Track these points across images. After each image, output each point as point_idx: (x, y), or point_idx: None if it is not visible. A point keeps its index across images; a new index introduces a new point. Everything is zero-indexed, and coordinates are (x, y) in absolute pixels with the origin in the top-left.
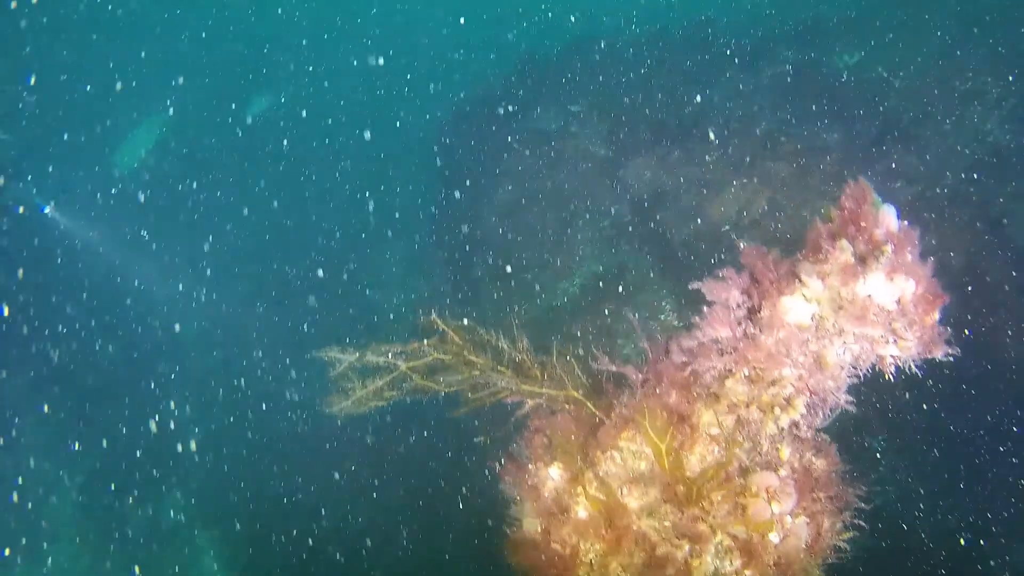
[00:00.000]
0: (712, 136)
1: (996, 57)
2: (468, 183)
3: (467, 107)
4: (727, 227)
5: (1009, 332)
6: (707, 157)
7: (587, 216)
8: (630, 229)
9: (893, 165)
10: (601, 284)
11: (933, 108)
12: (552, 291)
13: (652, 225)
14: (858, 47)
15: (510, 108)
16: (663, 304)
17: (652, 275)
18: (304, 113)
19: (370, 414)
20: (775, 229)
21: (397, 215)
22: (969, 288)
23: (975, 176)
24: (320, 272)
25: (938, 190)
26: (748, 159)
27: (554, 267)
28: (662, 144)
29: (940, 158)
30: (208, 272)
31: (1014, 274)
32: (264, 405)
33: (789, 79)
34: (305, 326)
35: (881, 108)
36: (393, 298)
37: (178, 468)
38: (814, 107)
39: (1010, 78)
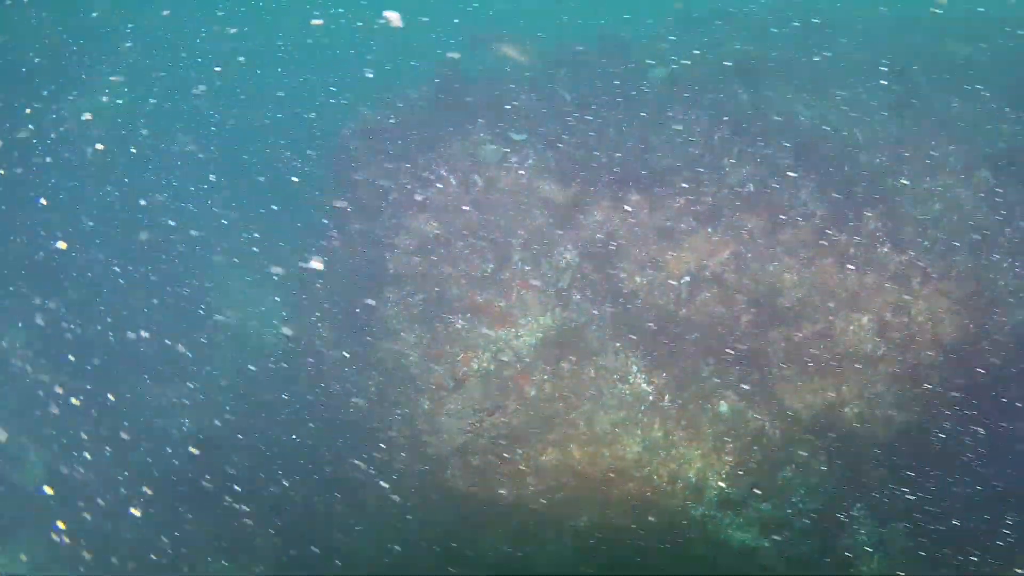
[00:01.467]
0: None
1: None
2: (377, 207)
3: (384, 121)
4: (687, 278)
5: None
6: (672, 203)
7: (529, 259)
8: (580, 277)
9: (878, 225)
10: (555, 338)
11: (910, 166)
12: (492, 341)
13: (605, 274)
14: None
15: (435, 130)
16: (630, 366)
17: (611, 331)
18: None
19: None
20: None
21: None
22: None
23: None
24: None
25: (929, 259)
26: (716, 208)
27: (490, 313)
28: (620, 185)
29: (927, 221)
30: None
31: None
32: None
33: (755, 123)
34: None
35: (856, 162)
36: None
37: None
38: (784, 157)
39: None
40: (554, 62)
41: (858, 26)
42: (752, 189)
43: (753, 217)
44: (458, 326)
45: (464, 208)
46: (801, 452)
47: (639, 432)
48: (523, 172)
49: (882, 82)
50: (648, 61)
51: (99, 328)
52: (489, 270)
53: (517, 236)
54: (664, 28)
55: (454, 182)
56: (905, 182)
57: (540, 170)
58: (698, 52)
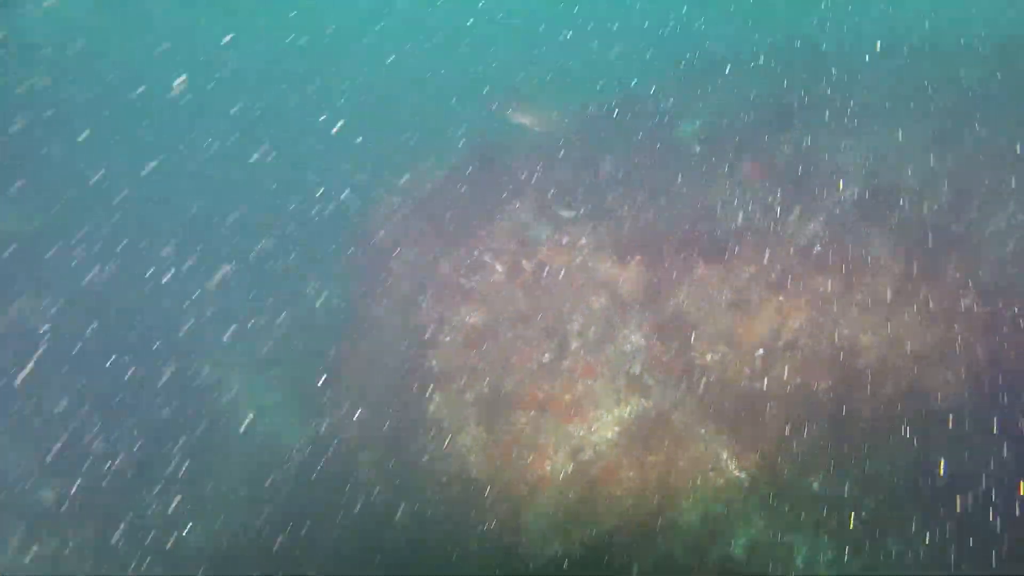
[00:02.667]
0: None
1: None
2: (418, 300)
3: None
4: (761, 351)
5: None
6: (738, 271)
7: (592, 345)
8: (650, 359)
9: (959, 277)
10: (634, 430)
11: (978, 210)
12: (563, 439)
13: (677, 354)
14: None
15: (475, 210)
16: (719, 453)
17: (693, 415)
18: None
19: None
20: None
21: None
22: None
23: None
24: None
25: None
26: (783, 271)
27: (556, 407)
28: (681, 257)
29: (1005, 261)
30: None
31: None
32: None
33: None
34: None
35: (924, 212)
36: None
37: None
38: (846, 210)
39: None
40: (583, 127)
41: (881, 63)
42: (819, 248)
43: (823, 277)
44: (521, 423)
45: (514, 294)
46: (901, 518)
47: (740, 524)
48: (576, 251)
49: (924, 118)
50: (673, 116)
51: None
52: (546, 359)
53: (575, 320)
54: (678, 80)
55: (500, 268)
56: (974, 222)
57: (594, 247)
58: (720, 102)
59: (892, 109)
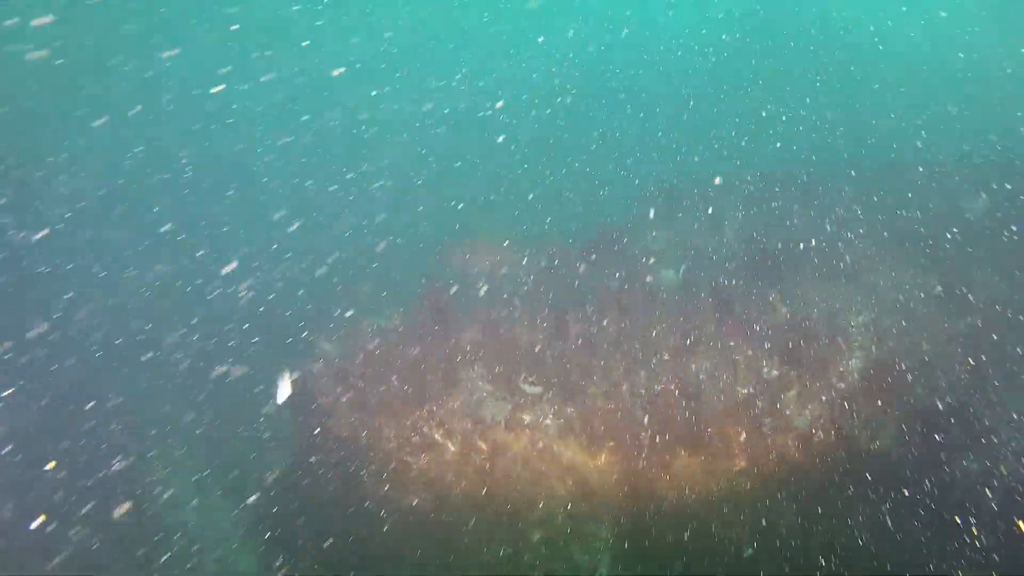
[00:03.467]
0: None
1: None
2: (360, 474)
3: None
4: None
5: None
6: (730, 464)
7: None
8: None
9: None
10: None
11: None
12: None
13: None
14: None
15: (424, 379)
16: None
17: None
18: None
19: None
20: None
21: None
22: None
23: None
24: None
25: None
26: (782, 466)
27: None
28: (660, 447)
29: None
30: None
31: None
32: None
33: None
34: None
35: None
36: None
37: None
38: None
39: None
40: (551, 275)
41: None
42: (820, 435)
43: (823, 472)
44: None
45: (468, 478)
46: None
47: None
48: (539, 433)
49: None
50: (650, 262)
51: None
52: (502, 554)
53: (535, 511)
54: (657, 216)
55: (452, 447)
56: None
57: (560, 430)
58: (705, 242)
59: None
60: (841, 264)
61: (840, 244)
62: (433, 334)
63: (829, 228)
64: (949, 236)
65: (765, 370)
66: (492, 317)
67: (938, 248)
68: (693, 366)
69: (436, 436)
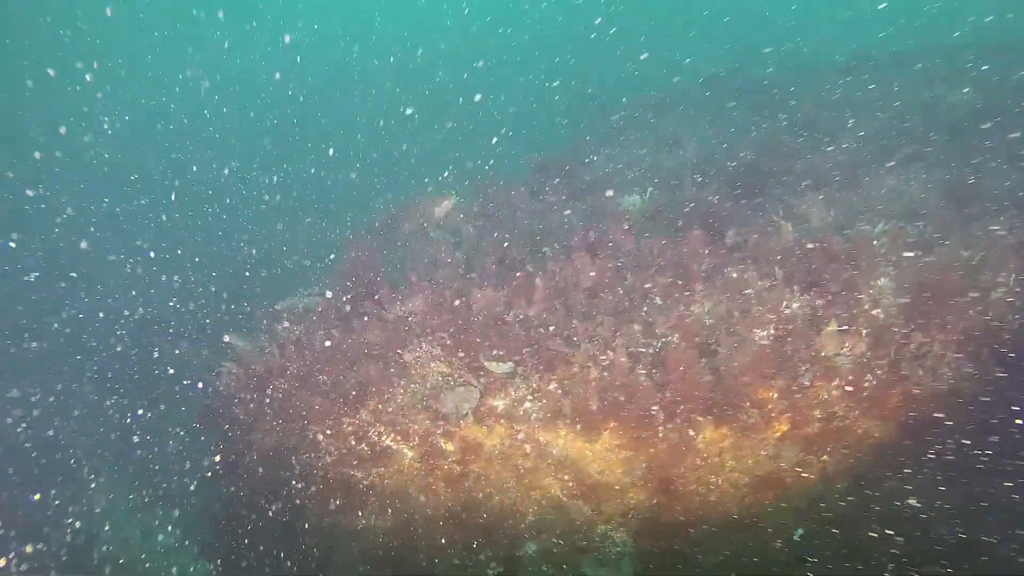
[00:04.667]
0: None
1: None
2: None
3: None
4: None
5: None
6: (770, 433)
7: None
8: None
9: None
10: None
11: None
12: None
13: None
14: None
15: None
16: None
17: None
18: None
19: None
20: None
21: None
22: None
23: None
24: None
25: None
26: (831, 425)
27: None
28: (679, 421)
29: None
30: None
31: None
32: None
33: None
34: None
35: None
36: None
37: None
38: None
39: None
40: (502, 214)
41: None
42: (872, 380)
43: (889, 421)
44: None
45: (435, 489)
46: None
47: None
48: (518, 422)
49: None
50: (606, 192)
51: None
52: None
53: (527, 519)
54: (611, 132)
55: (408, 453)
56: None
57: (546, 414)
58: (670, 163)
59: None
60: (835, 171)
61: (828, 149)
62: (365, 312)
63: (806, 134)
64: (946, 125)
65: (785, 304)
66: (433, 281)
67: (938, 138)
68: (695, 308)
69: (387, 441)
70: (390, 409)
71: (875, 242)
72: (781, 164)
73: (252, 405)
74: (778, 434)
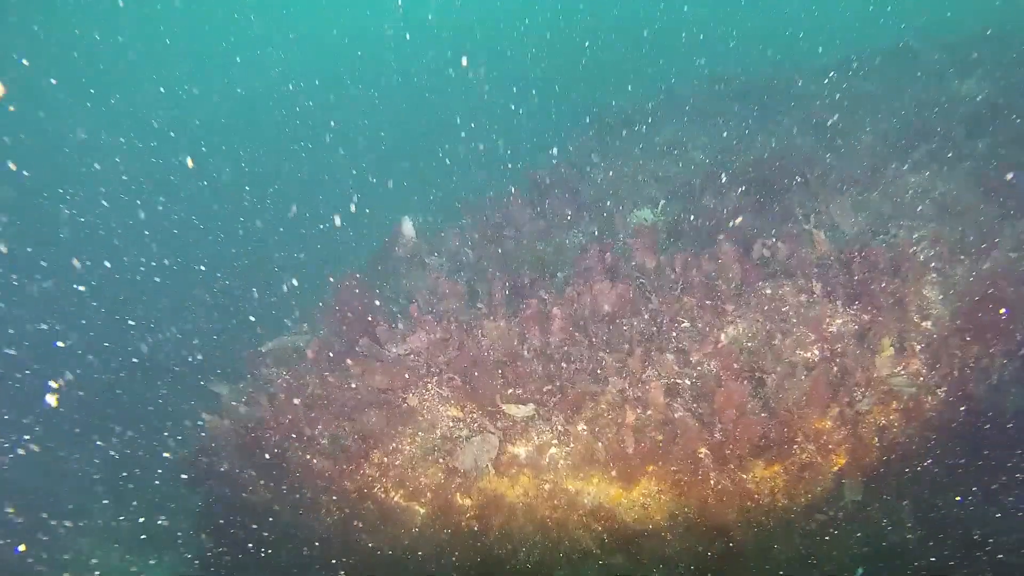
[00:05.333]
0: None
1: None
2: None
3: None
4: None
5: None
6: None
7: None
8: None
9: None
10: None
11: None
12: None
13: None
14: None
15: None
16: None
17: None
18: None
19: None
20: None
21: None
22: None
23: None
24: None
25: None
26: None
27: None
28: (730, 466)
29: None
30: None
31: None
32: None
33: None
34: None
35: None
36: None
37: None
38: None
39: None
40: (496, 243)
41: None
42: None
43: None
44: None
45: (454, 549)
46: None
47: None
48: (544, 470)
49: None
50: (622, 205)
51: None
52: None
53: None
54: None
55: (422, 510)
56: None
57: (575, 460)
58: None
59: None
60: (856, 173)
61: (833, 153)
62: (362, 351)
63: (815, 137)
64: (962, 119)
65: (828, 321)
66: (435, 313)
67: (960, 133)
68: (729, 331)
69: (396, 498)
70: (397, 462)
71: (914, 248)
72: (797, 168)
73: (241, 461)
74: (836, 468)
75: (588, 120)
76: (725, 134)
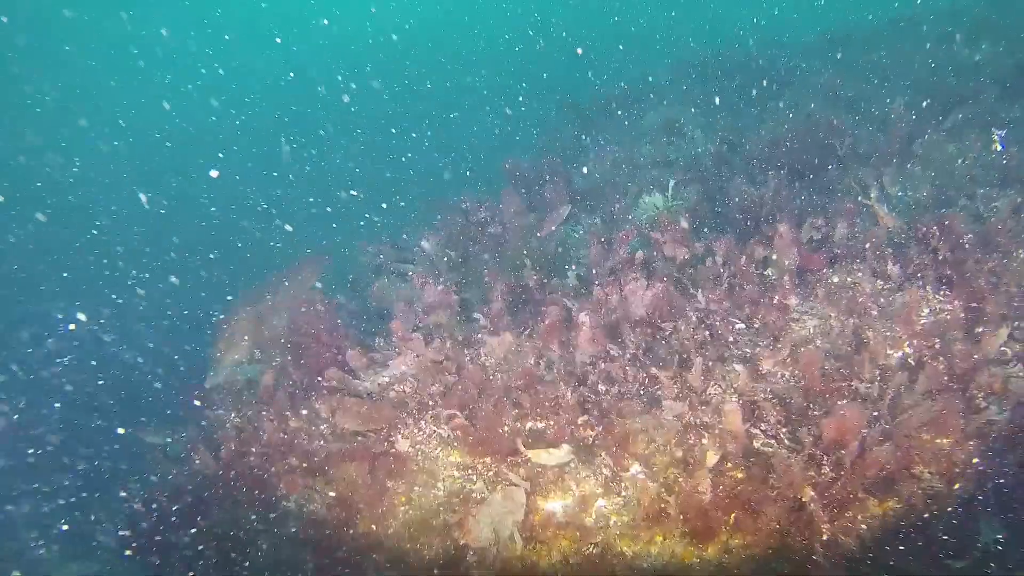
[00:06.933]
0: None
1: None
2: None
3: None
4: None
5: None
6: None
7: None
8: None
9: None
10: None
11: None
12: None
13: None
14: None
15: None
16: None
17: None
18: None
19: None
20: None
21: None
22: None
23: None
24: None
25: None
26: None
27: None
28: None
29: None
30: None
31: None
32: None
33: None
34: None
35: None
36: None
37: None
38: None
39: None
40: (495, 241)
41: None
42: None
43: None
44: None
45: None
46: None
47: None
48: (588, 527)
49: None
50: (630, 187)
51: None
52: None
53: None
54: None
55: None
56: None
57: (627, 514)
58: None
59: None
60: (893, 144)
61: (859, 124)
62: (330, 385)
63: (833, 109)
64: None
65: (917, 311)
66: (422, 329)
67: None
68: (797, 329)
69: None
70: (390, 532)
71: (995, 216)
72: (828, 141)
73: (184, 538)
74: (956, 493)
75: (568, 107)
76: (728, 113)
